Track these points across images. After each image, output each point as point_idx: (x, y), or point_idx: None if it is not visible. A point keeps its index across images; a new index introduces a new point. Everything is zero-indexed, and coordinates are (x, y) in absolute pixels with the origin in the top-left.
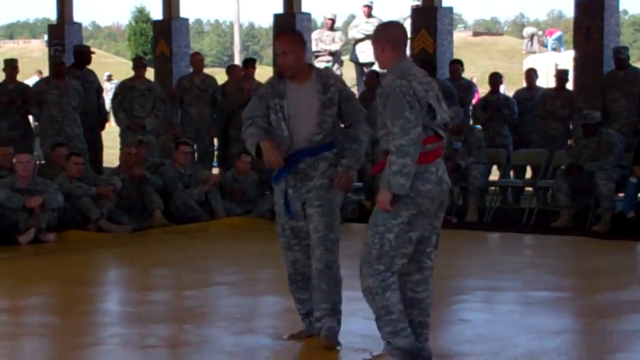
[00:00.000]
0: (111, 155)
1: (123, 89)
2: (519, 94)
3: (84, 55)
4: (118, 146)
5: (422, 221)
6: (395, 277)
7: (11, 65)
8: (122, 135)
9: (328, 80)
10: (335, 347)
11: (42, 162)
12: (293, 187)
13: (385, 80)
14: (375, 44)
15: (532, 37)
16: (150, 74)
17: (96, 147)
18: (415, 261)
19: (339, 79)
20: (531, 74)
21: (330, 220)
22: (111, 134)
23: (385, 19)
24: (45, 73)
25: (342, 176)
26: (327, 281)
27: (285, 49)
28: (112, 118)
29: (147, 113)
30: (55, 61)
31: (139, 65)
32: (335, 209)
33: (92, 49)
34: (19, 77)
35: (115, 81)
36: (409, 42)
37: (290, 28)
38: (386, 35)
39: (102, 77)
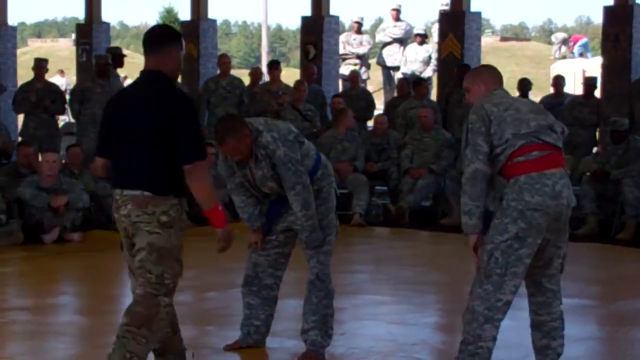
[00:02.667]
0: None
1: None
2: (546, 100)
3: (117, 57)
4: None
5: (535, 238)
6: (503, 314)
7: (39, 65)
8: None
9: (259, 150)
10: None
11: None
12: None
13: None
14: (470, 83)
15: (563, 42)
16: None
17: None
18: (537, 283)
19: (269, 144)
20: (559, 81)
21: (324, 233)
22: None
23: (413, 23)
24: (69, 72)
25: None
26: (318, 293)
27: (233, 154)
28: None
29: None
30: (100, 61)
31: None
32: (329, 224)
33: (124, 51)
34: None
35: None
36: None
37: (317, 31)
38: (478, 76)
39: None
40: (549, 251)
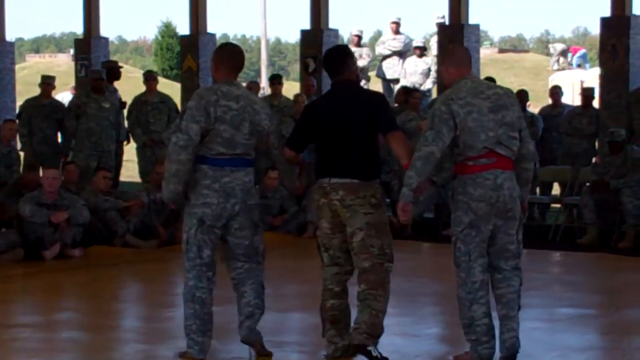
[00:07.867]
0: (129, 171)
1: (136, 104)
2: (544, 110)
3: (113, 70)
4: (136, 159)
5: (485, 225)
6: (483, 291)
7: (46, 83)
8: (141, 151)
9: None
10: None
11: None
12: None
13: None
14: (442, 65)
15: (562, 53)
16: (177, 89)
17: (116, 163)
18: (494, 266)
19: None
20: (556, 91)
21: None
22: (130, 148)
23: (412, 36)
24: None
25: None
26: None
27: None
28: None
29: (164, 127)
30: (94, 76)
31: (149, 78)
32: None
33: (120, 64)
34: None
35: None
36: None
37: (317, 44)
38: (451, 57)
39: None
40: (501, 238)
